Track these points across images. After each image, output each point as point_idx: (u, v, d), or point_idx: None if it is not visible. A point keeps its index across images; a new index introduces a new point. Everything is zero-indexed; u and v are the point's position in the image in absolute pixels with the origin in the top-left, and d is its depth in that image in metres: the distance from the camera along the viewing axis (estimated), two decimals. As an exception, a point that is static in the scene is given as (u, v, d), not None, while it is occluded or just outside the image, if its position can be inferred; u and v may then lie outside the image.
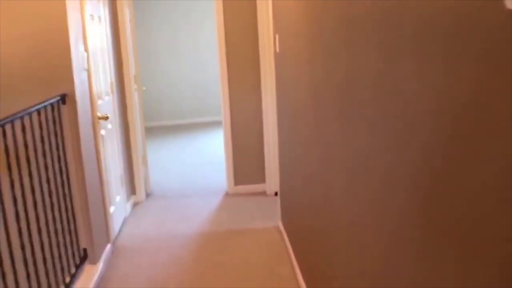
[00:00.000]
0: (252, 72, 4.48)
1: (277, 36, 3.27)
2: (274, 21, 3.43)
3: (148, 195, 4.88)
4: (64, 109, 3.08)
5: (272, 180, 4.58)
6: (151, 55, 8.25)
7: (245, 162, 4.66)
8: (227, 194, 4.72)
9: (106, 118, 3.58)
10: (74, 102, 3.08)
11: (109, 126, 3.93)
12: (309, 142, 2.45)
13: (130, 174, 4.63)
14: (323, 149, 2.12)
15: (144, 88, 5.16)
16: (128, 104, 4.50)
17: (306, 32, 2.29)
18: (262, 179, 4.68)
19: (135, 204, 4.65)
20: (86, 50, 3.35)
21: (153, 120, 8.44)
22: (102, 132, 3.68)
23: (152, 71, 8.29)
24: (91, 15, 3.56)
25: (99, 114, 3.53)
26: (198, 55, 8.29)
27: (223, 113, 4.58)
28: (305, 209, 2.73)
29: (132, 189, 4.67)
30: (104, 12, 3.98)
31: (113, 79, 4.16)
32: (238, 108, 4.55)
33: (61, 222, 2.98)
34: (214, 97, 8.41)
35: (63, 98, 3.05)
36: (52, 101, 2.88)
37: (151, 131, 7.93)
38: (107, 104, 3.88)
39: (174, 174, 5.56)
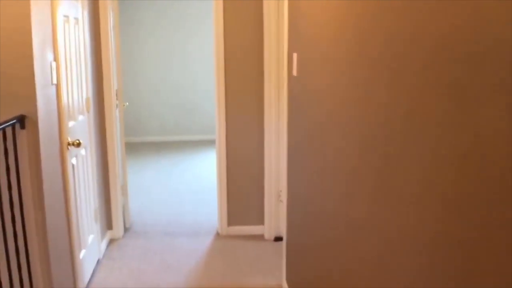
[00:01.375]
0: (254, 93, 3.82)
1: (294, 55, 2.62)
2: (290, 38, 2.78)
3: (126, 229, 4.15)
4: (23, 135, 2.37)
5: (272, 222, 3.90)
6: (135, 65, 7.54)
7: (241, 199, 3.97)
8: (218, 236, 4.01)
9: (78, 144, 2.87)
10: (35, 125, 2.38)
11: (83, 152, 3.21)
12: (331, 179, 1.79)
13: (107, 206, 3.91)
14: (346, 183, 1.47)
15: (126, 103, 4.45)
16: (107, 124, 3.79)
17: (349, 56, 1.64)
18: (260, 220, 4.00)
19: (111, 241, 3.92)
20: (56, 59, 2.65)
21: (135, 135, 7.70)
22: (73, 161, 2.97)
23: (136, 82, 7.58)
24: (66, 16, 2.87)
25: (69, 140, 2.82)
26: (188, 67, 7.60)
27: (218, 138, 3.90)
28: (323, 267, 2.06)
29: (108, 223, 3.94)
30: (82, 14, 3.28)
31: (90, 94, 3.46)
32: (235, 133, 3.88)
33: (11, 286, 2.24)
34: (204, 113, 7.72)
35: (21, 121, 2.34)
36: (5, 125, 2.18)
37: (132, 148, 7.19)
38: (81, 125, 3.17)
39: (158, 203, 4.84)
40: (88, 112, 3.39)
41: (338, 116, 1.83)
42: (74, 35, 3.06)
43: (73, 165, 2.96)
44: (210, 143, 7.51)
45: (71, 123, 2.93)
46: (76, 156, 3.03)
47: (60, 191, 2.72)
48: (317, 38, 2.13)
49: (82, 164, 3.19)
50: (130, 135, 7.64)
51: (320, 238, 2.20)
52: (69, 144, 2.82)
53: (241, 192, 3.96)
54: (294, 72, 2.63)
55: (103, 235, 3.77)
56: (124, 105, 4.49)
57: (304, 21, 2.37)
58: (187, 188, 5.31)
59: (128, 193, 4.19)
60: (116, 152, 3.87)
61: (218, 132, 3.86)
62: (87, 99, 3.36)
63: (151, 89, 7.61)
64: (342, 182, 1.81)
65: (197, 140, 7.74)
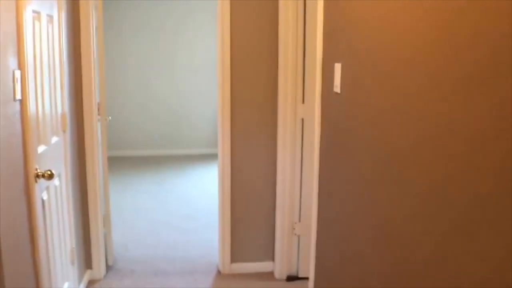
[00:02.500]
0: (266, 104, 3.24)
1: (337, 67, 2.05)
2: (328, 44, 2.21)
3: (109, 268, 3.50)
4: (-28, 168, 1.74)
5: (285, 259, 3.30)
6: (117, 72, 6.88)
7: (248, 230, 3.37)
8: (220, 275, 3.40)
9: (50, 175, 2.24)
10: (-9, 156, 1.75)
11: (56, 182, 2.58)
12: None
13: (86, 243, 3.27)
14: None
15: (109, 118, 3.83)
16: (87, 144, 3.16)
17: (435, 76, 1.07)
18: (269, 255, 3.41)
19: (91, 283, 3.28)
20: (21, 66, 2.03)
21: (118, 148, 7.03)
22: (44, 195, 2.33)
23: (119, 90, 6.92)
24: (36, 12, 2.25)
25: (37, 170, 2.19)
26: (177, 74, 6.98)
27: (220, 157, 3.30)
28: None
29: (87, 262, 3.30)
30: (58, 11, 2.66)
31: (67, 109, 2.83)
32: (242, 151, 3.29)
33: None
34: (194, 125, 7.10)
35: (-30, 151, 1.72)
36: None
37: (115, 163, 6.52)
38: (54, 149, 2.53)
39: (145, 232, 4.20)
40: (64, 131, 2.76)
41: (411, 152, 1.26)
42: (47, 36, 2.43)
43: (43, 201, 2.33)
44: (200, 157, 6.89)
45: (41, 148, 2.30)
46: (47, 189, 2.40)
47: (25, 236, 2.09)
48: (383, 48, 1.56)
49: (56, 198, 2.55)
50: (112, 148, 6.97)
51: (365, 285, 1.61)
52: (37, 175, 2.19)
53: (248, 222, 3.36)
54: (336, 88, 2.05)
55: (80, 277, 3.13)
56: (106, 120, 3.87)
57: (356, 25, 1.80)
58: (179, 212, 4.68)
59: (111, 222, 3.55)
60: (98, 177, 3.24)
61: (222, 150, 3.26)
62: (63, 115, 2.73)
63: (135, 99, 6.97)
64: (408, 221, 1.23)
65: (187, 154, 7.11)
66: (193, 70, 6.97)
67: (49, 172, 2.24)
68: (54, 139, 2.55)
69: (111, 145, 6.97)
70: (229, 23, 3.14)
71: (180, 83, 7.00)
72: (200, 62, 6.95)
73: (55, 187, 2.56)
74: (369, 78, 1.67)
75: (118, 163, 6.61)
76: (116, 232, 4.11)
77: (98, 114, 3.29)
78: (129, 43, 6.81)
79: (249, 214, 3.36)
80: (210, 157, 6.94)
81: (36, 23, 2.26)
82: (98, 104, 3.28)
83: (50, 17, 2.52)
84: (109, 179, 5.69)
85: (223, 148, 3.25)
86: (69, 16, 2.93)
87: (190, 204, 4.94)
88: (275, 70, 3.20)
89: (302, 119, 3.10)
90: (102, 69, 3.27)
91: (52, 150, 2.49)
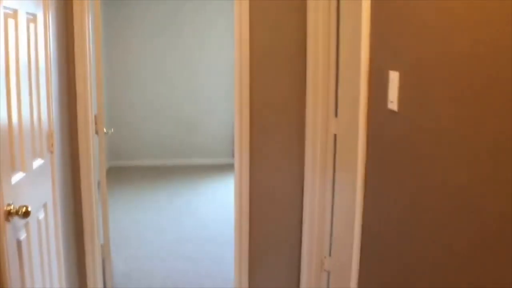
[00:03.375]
0: (291, 116, 2.77)
1: (393, 75, 1.57)
2: (379, 47, 1.73)
3: (108, 303, 3.05)
4: None
5: (314, 297, 2.82)
6: (126, 75, 6.46)
7: (268, 265, 2.90)
8: (237, 315, 2.93)
9: (25, 213, 1.79)
10: None
11: (40, 215, 2.14)
12: None
13: (81, 280, 2.82)
14: None
15: (111, 130, 3.39)
16: (82, 164, 2.71)
17: None
18: (295, 292, 2.93)
19: (86, 324, 2.83)
20: (-16, 77, 1.58)
21: (122, 158, 6.60)
22: (21, 235, 1.89)
23: (125, 96, 6.50)
24: (11, 9, 1.81)
25: (10, 207, 1.74)
26: (188, 78, 6.53)
27: (237, 177, 2.83)
28: None
29: (82, 298, 2.86)
30: (44, 9, 2.22)
31: (55, 126, 2.39)
32: (262, 170, 2.82)
33: None
34: (208, 133, 6.64)
35: None
36: None
37: (122, 174, 6.10)
38: (36, 175, 2.09)
39: (152, 258, 3.75)
40: (52, 152, 2.31)
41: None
42: (27, 38, 1.99)
43: (19, 242, 1.88)
44: (215, 168, 6.43)
45: (17, 177, 1.85)
46: (26, 226, 1.95)
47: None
48: (464, 56, 1.07)
49: (39, 235, 2.11)
50: (118, 158, 6.55)
51: None
52: (10, 213, 1.74)
53: (269, 254, 2.89)
54: (392, 105, 1.57)
55: (74, 320, 2.68)
56: (107, 133, 3.43)
57: (423, 27, 1.32)
58: (191, 233, 4.22)
59: (110, 252, 3.10)
60: (94, 202, 2.79)
61: (239, 169, 2.79)
62: (50, 133, 2.29)
63: (143, 105, 6.53)
64: None
65: (200, 164, 6.65)
66: (207, 74, 6.52)
67: (24, 209, 1.79)
68: (37, 163, 2.11)
69: (116, 154, 6.54)
70: (247, 24, 2.68)
71: (193, 88, 6.55)
72: (215, 65, 6.49)
73: (39, 221, 2.11)
74: (445, 95, 1.19)
75: (125, 173, 6.18)
76: (118, 257, 3.67)
77: (96, 128, 2.84)
78: (136, 46, 6.38)
79: (270, 244, 2.88)
80: (225, 168, 6.48)
81: (10, 22, 1.82)
82: (95, 116, 2.84)
83: (33, 16, 2.08)
84: (113, 192, 5.26)
85: (240, 168, 2.78)
86: (59, 16, 2.49)
87: (203, 222, 4.48)
88: (302, 77, 2.73)
89: (335, 135, 2.62)
90: (100, 76, 2.82)
91: (33, 177, 2.04)
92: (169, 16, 6.35)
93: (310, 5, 2.60)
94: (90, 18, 2.72)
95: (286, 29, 2.71)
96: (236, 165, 2.79)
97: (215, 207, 4.92)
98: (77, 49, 2.62)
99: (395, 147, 1.57)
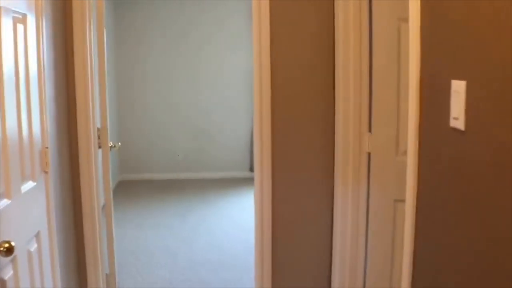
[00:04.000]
0: (319, 131, 2.44)
1: (458, 86, 1.23)
2: (435, 52, 1.40)
3: (114, 339, 2.72)
4: None
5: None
6: (137, 84, 6.20)
7: (295, 296, 2.55)
8: None
9: (8, 249, 1.48)
10: None
11: (32, 247, 1.83)
12: None
13: (81, 314, 2.50)
14: None
15: (118, 144, 3.09)
16: (84, 183, 2.41)
17: None
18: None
19: None
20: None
21: (136, 171, 6.31)
22: (5, 274, 1.58)
23: (138, 105, 6.22)
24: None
25: (-12, 243, 1.44)
26: (201, 87, 6.24)
27: (257, 200, 2.50)
28: None
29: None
30: (37, 9, 1.93)
31: (51, 143, 2.09)
32: (285, 189, 2.49)
33: None
34: (223, 146, 6.33)
35: None
36: None
37: (132, 189, 5.80)
38: (25, 201, 1.78)
39: (163, 286, 3.42)
40: (46, 172, 2.01)
41: None
42: (13, 40, 1.70)
43: (3, 283, 1.57)
44: (231, 182, 6.11)
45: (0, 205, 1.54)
46: (13, 262, 1.64)
47: None
48: None
49: (30, 270, 1.79)
50: (126, 171, 6.27)
51: None
52: (-13, 251, 1.43)
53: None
54: (457, 123, 1.23)
55: None
56: (113, 147, 3.14)
57: (494, 29, 0.99)
58: (206, 256, 3.88)
59: (116, 280, 2.77)
60: (98, 226, 2.47)
61: (259, 191, 2.47)
62: (44, 151, 1.99)
63: (154, 115, 6.25)
64: None
65: (215, 178, 6.33)
66: (222, 82, 6.22)
67: (6, 245, 1.48)
68: (27, 186, 1.80)
69: (126, 168, 6.26)
70: (267, 29, 2.37)
71: (206, 98, 6.25)
72: (229, 73, 6.19)
73: (30, 253, 1.80)
74: None
75: (135, 188, 5.89)
76: (126, 284, 3.34)
77: (99, 143, 2.54)
78: (146, 54, 6.12)
79: (295, 276, 2.54)
80: (242, 182, 6.15)
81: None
82: (99, 129, 2.54)
83: (21, 16, 1.79)
84: (123, 208, 4.96)
85: (261, 188, 2.45)
86: (56, 16, 2.21)
87: (218, 244, 4.14)
88: (330, 86, 2.40)
89: (369, 154, 2.28)
90: (104, 84, 2.52)
91: (22, 203, 1.74)
92: (182, 22, 6.08)
93: (339, 5, 2.29)
94: (92, 20, 2.43)
95: (311, 33, 2.39)
96: (257, 182, 2.47)
97: (231, 226, 4.59)
98: (77, 55, 2.33)
99: (460, 174, 1.23)
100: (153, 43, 6.09)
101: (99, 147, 2.55)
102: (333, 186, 2.42)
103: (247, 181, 6.12)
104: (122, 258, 3.75)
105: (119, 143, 3.20)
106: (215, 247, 4.05)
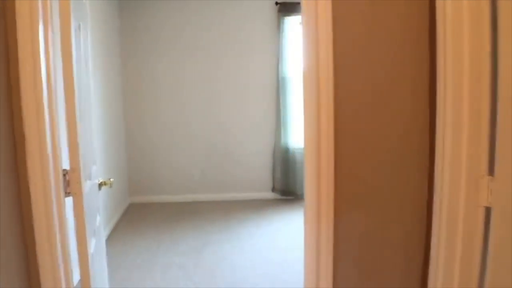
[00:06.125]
0: (406, 171, 1.60)
1: None
2: None
3: None
4: None
5: None
6: (139, 97, 5.41)
7: None
8: None
9: None
10: None
11: None
12: None
13: None
14: None
15: (111, 180, 2.30)
16: (42, 261, 1.60)
17: None
18: None
19: None
20: None
21: (142, 193, 5.53)
22: None
23: (147, 120, 5.43)
24: None
25: None
26: (218, 101, 5.41)
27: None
28: None
29: None
30: None
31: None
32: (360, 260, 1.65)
33: None
34: (244, 164, 5.49)
35: None
36: None
37: (137, 213, 5.02)
38: None
39: None
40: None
41: None
42: None
43: None
44: (251, 205, 5.28)
45: None
46: None
47: None
48: None
49: None
50: (135, 193, 5.48)
51: None
52: None
53: None
54: None
55: None
56: (103, 185, 2.36)
57: None
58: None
59: None
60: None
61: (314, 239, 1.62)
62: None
63: (166, 130, 5.45)
64: None
65: (231, 200, 5.50)
66: (241, 95, 5.37)
67: None
68: None
69: (136, 189, 5.48)
70: (330, 31, 1.55)
71: (224, 112, 5.41)
72: (250, 86, 5.34)
73: None
74: None
75: (144, 214, 5.09)
76: None
77: (68, 191, 1.73)
78: (156, 62, 5.31)
79: None
80: (265, 204, 5.32)
81: None
82: (67, 172, 1.73)
83: None
84: (130, 241, 4.15)
85: (317, 245, 1.62)
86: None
87: (243, 284, 3.32)
88: (423, 104, 1.56)
89: (487, 208, 1.41)
90: (72, 108, 1.70)
91: None
92: (194, 31, 5.27)
93: (442, 7, 1.44)
94: (50, 25, 1.63)
95: (398, 43, 1.56)
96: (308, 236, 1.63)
97: (258, 261, 3.76)
98: (23, 72, 1.53)
99: None
100: (164, 51, 5.29)
101: (68, 194, 1.75)
102: (428, 262, 1.56)
103: (270, 203, 5.31)
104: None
105: (111, 179, 2.41)
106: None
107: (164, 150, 5.45)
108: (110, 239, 4.27)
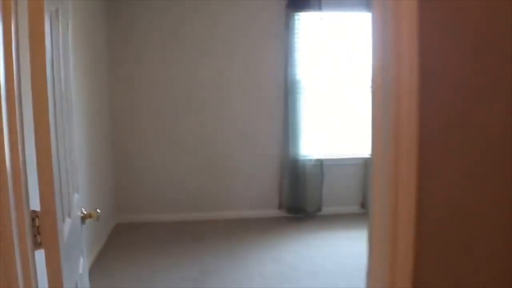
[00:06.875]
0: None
1: None
2: None
3: None
4: None
5: None
6: (129, 104, 4.88)
7: None
8: None
9: None
10: None
11: None
12: None
13: None
14: None
15: (98, 212, 1.79)
16: None
17: None
18: None
19: None
20: None
21: (131, 212, 4.97)
22: None
23: (132, 133, 4.90)
24: None
25: None
26: (219, 109, 4.90)
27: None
28: None
29: None
30: None
31: None
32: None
33: None
34: (252, 179, 4.98)
35: None
36: None
37: (127, 235, 4.48)
38: None
39: None
40: None
41: None
42: None
43: None
44: (255, 224, 4.78)
45: None
46: None
47: None
48: None
49: None
50: (124, 212, 4.93)
51: None
52: None
53: None
54: None
55: None
56: (87, 218, 1.87)
57: None
58: None
59: None
60: None
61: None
62: None
63: (158, 141, 4.91)
64: None
65: (233, 218, 4.96)
66: (243, 102, 4.88)
67: None
68: None
69: (124, 208, 4.93)
70: (415, 32, 1.07)
71: (224, 121, 4.91)
72: (253, 92, 4.84)
73: None
74: None
75: (133, 236, 4.55)
76: None
77: (38, 240, 1.22)
78: (146, 67, 4.80)
79: None
80: (271, 223, 4.82)
81: None
82: (36, 214, 1.22)
83: None
84: (117, 272, 3.59)
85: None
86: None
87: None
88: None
89: None
90: (47, 132, 1.20)
91: None
92: (192, 31, 4.77)
93: None
94: (14, 12, 1.13)
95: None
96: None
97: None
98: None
99: None
100: (156, 54, 4.78)
101: (40, 244, 1.24)
102: None
103: (277, 222, 4.81)
104: None
105: (99, 210, 1.91)
106: None
107: (156, 163, 4.91)
108: (94, 268, 3.68)
